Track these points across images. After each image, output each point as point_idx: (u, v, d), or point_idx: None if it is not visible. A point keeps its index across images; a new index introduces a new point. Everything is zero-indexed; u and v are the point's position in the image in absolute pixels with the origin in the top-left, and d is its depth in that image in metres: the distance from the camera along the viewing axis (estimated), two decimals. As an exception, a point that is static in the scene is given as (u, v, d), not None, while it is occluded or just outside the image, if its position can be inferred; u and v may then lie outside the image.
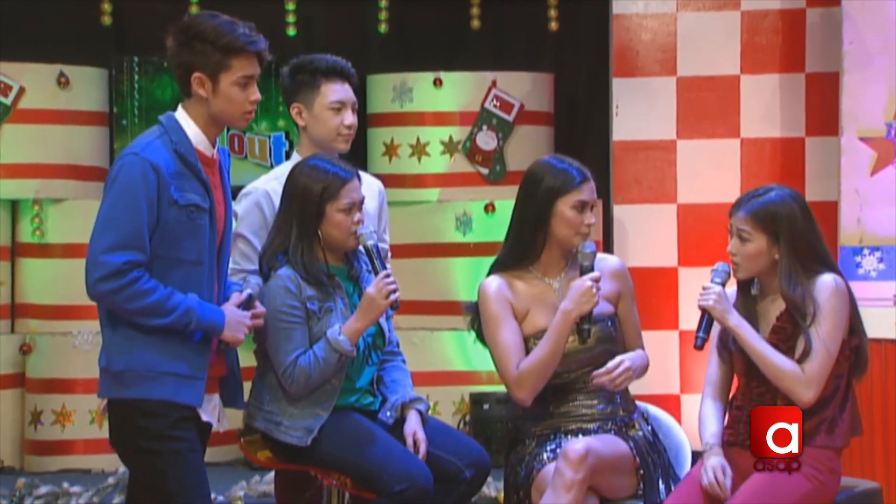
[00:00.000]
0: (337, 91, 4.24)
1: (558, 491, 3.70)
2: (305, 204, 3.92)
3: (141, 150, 3.56)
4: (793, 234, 3.83)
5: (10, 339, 6.69)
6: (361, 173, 4.55)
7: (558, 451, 3.86)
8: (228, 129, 7.07)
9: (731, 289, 3.97)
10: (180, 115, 3.65)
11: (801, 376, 3.76)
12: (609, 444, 3.86)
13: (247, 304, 3.73)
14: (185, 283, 3.58)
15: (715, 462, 3.80)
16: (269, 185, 4.22)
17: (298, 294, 3.88)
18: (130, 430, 3.58)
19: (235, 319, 3.64)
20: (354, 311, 3.94)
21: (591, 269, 3.91)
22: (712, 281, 3.88)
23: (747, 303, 3.91)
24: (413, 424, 3.95)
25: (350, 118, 4.25)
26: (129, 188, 3.52)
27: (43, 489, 6.03)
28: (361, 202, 3.97)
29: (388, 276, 3.90)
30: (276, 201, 4.12)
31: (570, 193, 3.92)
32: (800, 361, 3.79)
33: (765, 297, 3.91)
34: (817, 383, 3.78)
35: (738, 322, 3.82)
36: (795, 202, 3.87)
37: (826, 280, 3.82)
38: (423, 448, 3.91)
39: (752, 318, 3.87)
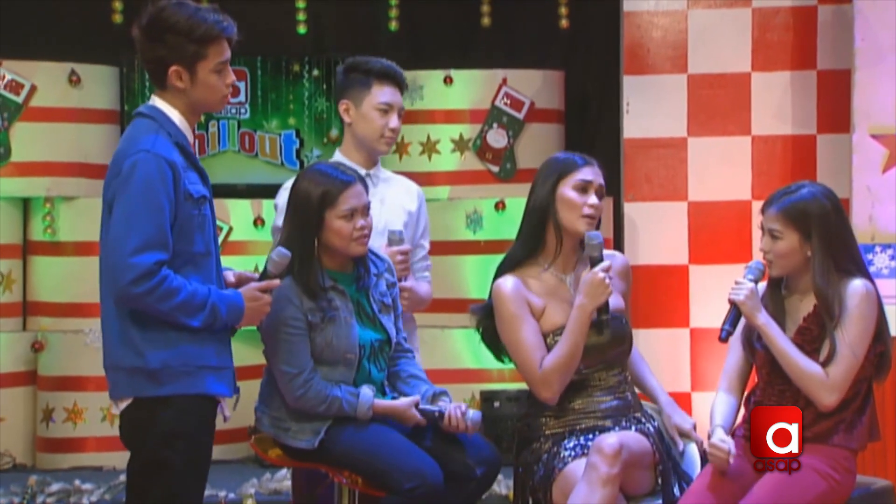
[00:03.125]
0: (387, 93, 4.35)
1: (593, 485, 3.69)
2: (305, 211, 3.90)
3: (150, 146, 3.51)
4: (825, 232, 3.80)
5: (21, 337, 6.70)
6: (398, 175, 4.58)
7: (579, 448, 3.85)
8: (239, 128, 7.08)
9: (761, 284, 3.96)
10: (162, 105, 3.61)
11: (824, 380, 3.75)
12: (634, 439, 3.86)
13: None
14: (199, 277, 3.55)
15: (720, 433, 3.81)
16: None
17: (300, 305, 3.87)
18: (156, 425, 3.52)
19: (253, 309, 3.63)
20: (357, 317, 3.92)
21: (601, 260, 3.90)
22: (745, 277, 3.87)
23: (776, 300, 3.89)
24: (446, 403, 3.96)
25: (395, 122, 4.35)
26: (149, 186, 3.48)
27: (55, 486, 6.04)
28: (365, 208, 3.93)
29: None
30: None
31: (571, 174, 3.94)
32: (824, 364, 3.77)
33: (792, 295, 3.90)
34: (840, 388, 3.77)
35: (766, 321, 3.81)
36: (828, 200, 3.85)
37: (857, 285, 3.80)
38: (473, 412, 3.91)
39: (780, 316, 3.86)
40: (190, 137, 3.64)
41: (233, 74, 3.64)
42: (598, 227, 3.99)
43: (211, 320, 3.53)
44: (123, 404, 3.58)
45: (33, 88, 6.68)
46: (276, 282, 3.74)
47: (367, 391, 3.90)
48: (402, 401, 3.94)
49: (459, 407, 3.92)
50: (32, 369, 6.69)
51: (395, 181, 4.53)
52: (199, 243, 3.57)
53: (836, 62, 5.87)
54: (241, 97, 7.09)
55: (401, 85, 4.40)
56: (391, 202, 4.43)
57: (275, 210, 4.39)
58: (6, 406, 6.60)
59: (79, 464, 6.53)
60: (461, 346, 6.75)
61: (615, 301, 3.95)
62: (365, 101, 4.34)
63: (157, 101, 3.61)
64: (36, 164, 6.69)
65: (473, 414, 3.91)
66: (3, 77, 6.64)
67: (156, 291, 3.46)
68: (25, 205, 6.80)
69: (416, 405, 3.94)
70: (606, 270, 3.87)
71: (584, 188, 3.93)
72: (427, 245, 4.57)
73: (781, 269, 3.87)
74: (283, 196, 4.34)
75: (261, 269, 3.88)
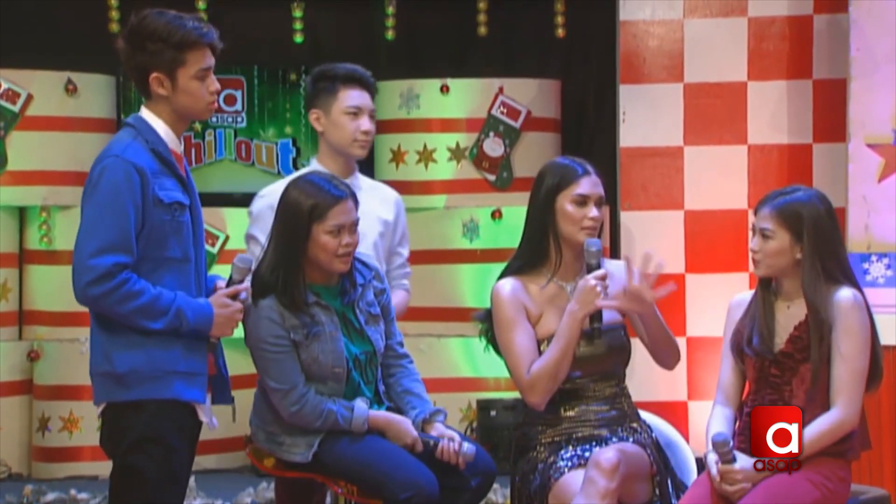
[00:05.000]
0: (354, 97, 4.30)
1: (591, 499, 3.67)
2: (293, 222, 3.86)
3: (121, 152, 3.56)
4: (816, 234, 3.80)
5: (17, 346, 6.70)
6: (378, 183, 4.56)
7: (576, 459, 3.84)
8: (236, 136, 7.09)
9: (746, 294, 3.96)
10: (147, 114, 3.64)
11: (845, 420, 3.76)
12: (632, 451, 3.84)
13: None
14: (174, 282, 3.58)
15: (716, 456, 3.79)
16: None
17: (282, 323, 3.84)
18: (128, 431, 3.55)
19: (224, 317, 3.64)
20: (344, 329, 3.91)
21: (598, 267, 3.89)
22: (714, 453, 3.77)
23: (767, 304, 3.87)
24: (444, 431, 3.93)
25: (367, 124, 4.30)
26: (114, 191, 3.51)
27: (50, 496, 6.04)
28: (353, 224, 3.89)
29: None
30: None
31: (569, 188, 3.92)
32: (834, 391, 3.76)
33: (780, 301, 3.88)
34: (857, 406, 3.78)
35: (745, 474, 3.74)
36: (822, 203, 3.85)
37: (846, 295, 3.78)
38: (467, 446, 3.88)
39: (770, 322, 3.85)
40: (175, 146, 3.66)
41: (216, 83, 3.65)
42: (598, 235, 3.99)
43: (176, 324, 3.54)
44: (100, 409, 3.62)
45: (30, 97, 6.68)
46: (244, 286, 3.73)
47: (361, 404, 3.88)
48: (397, 416, 3.92)
49: (454, 440, 3.90)
50: (28, 378, 6.69)
51: (373, 190, 4.49)
52: (174, 249, 3.59)
53: (832, 71, 5.88)
54: (238, 106, 7.10)
55: (368, 87, 4.34)
56: (365, 212, 4.38)
57: (249, 217, 4.37)
58: (2, 415, 6.60)
59: (75, 473, 6.52)
60: (458, 355, 6.75)
61: (611, 315, 3.93)
62: (333, 108, 4.30)
63: (143, 112, 3.66)
64: (32, 173, 6.70)
65: (467, 448, 3.89)
66: (0, 86, 6.64)
67: (114, 293, 3.49)
68: (22, 214, 6.81)
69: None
70: (602, 279, 3.86)
71: (582, 201, 3.92)
72: (405, 252, 4.52)
73: (768, 269, 3.86)
74: (257, 204, 4.32)
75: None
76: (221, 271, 3.95)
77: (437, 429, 3.94)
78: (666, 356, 4.01)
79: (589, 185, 3.93)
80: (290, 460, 3.90)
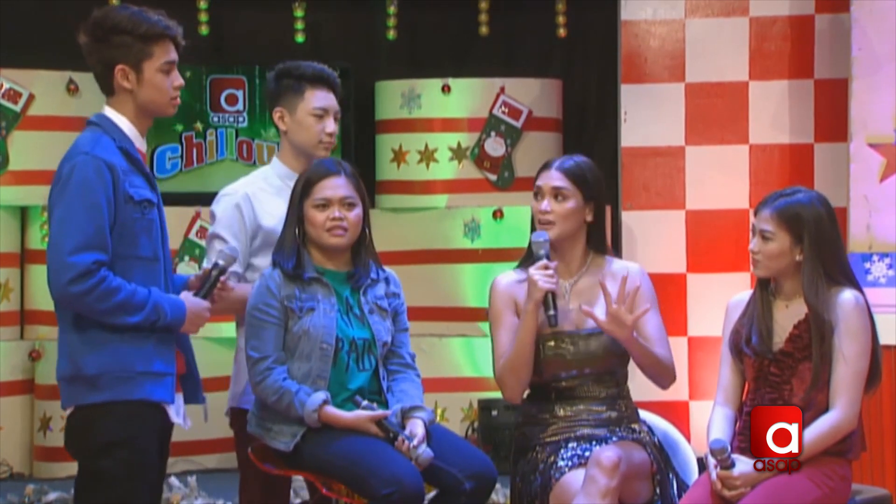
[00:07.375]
0: (321, 98, 4.25)
1: (592, 498, 3.69)
2: (292, 198, 3.99)
3: (90, 149, 3.54)
4: (817, 237, 3.80)
5: (19, 346, 6.70)
6: None
7: (576, 458, 3.85)
8: (237, 136, 7.09)
9: (744, 294, 3.96)
10: (110, 112, 3.63)
11: (844, 421, 3.76)
12: (632, 450, 3.86)
13: (208, 281, 3.72)
14: (145, 281, 3.56)
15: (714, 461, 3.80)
16: (248, 187, 4.23)
17: (278, 293, 3.91)
18: (97, 434, 3.51)
19: (195, 313, 3.64)
20: (344, 312, 3.93)
21: (543, 258, 3.89)
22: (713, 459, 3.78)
23: (765, 304, 3.88)
24: (412, 428, 3.89)
25: (332, 126, 4.26)
26: (86, 188, 3.49)
27: (52, 495, 6.04)
28: (342, 200, 3.94)
29: None
30: (255, 204, 4.16)
31: (535, 182, 3.97)
32: (833, 391, 3.77)
33: (779, 300, 3.89)
34: (856, 407, 3.79)
35: None
36: (822, 206, 3.86)
37: (848, 297, 3.79)
38: (424, 448, 3.82)
39: (769, 322, 3.85)
40: (140, 144, 3.66)
41: (180, 78, 3.65)
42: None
43: (154, 318, 3.53)
44: (68, 412, 3.59)
45: (31, 97, 6.69)
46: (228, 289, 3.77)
47: (319, 395, 3.87)
48: (355, 413, 3.88)
49: (416, 437, 3.85)
50: (30, 378, 6.69)
51: None
52: (145, 248, 3.58)
53: (834, 71, 5.88)
54: (239, 106, 7.10)
55: (334, 88, 4.30)
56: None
57: (211, 217, 4.26)
58: (4, 415, 6.60)
59: (76, 472, 6.51)
60: (459, 355, 6.75)
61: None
62: (299, 108, 4.24)
63: (106, 110, 3.64)
64: (34, 172, 6.70)
65: (424, 451, 3.83)
66: (1, 86, 6.65)
67: (95, 291, 3.46)
68: (23, 213, 6.81)
69: (381, 420, 3.87)
70: (544, 269, 3.87)
71: (537, 194, 3.96)
72: None
73: (767, 270, 3.87)
74: (221, 203, 4.23)
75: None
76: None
77: (411, 424, 3.91)
78: (655, 380, 4.01)
79: (545, 176, 3.96)
80: (274, 447, 3.92)
